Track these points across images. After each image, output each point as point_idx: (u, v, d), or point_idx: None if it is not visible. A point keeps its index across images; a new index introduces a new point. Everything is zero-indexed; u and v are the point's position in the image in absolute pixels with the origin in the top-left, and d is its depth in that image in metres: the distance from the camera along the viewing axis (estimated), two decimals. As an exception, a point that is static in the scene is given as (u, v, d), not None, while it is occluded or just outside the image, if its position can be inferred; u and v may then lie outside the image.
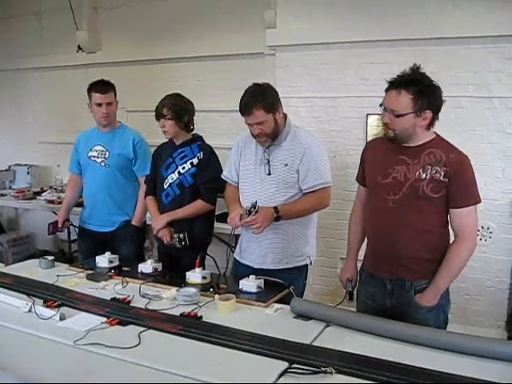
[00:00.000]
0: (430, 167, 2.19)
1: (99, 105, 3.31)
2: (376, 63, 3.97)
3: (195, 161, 3.05)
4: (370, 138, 4.03)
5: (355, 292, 2.57)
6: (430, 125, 2.22)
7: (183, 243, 2.97)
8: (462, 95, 3.74)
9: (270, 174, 2.65)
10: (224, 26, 4.79)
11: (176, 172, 3.05)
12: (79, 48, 5.57)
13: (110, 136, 3.42)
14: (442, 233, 2.27)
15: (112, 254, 2.89)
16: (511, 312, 3.80)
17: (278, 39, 4.30)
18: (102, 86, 3.33)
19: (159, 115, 3.04)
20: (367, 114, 4.02)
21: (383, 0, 3.92)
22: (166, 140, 3.19)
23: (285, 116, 2.70)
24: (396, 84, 2.17)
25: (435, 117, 2.20)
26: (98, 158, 3.39)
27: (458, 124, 3.77)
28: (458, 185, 2.17)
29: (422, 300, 2.23)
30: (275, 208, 2.52)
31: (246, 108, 2.53)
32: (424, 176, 2.19)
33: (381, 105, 2.25)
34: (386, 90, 2.22)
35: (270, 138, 2.60)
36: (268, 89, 2.62)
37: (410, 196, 2.22)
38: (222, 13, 4.81)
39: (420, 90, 2.12)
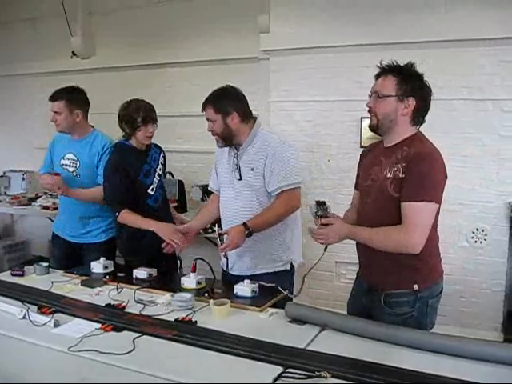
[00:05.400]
0: (394, 165, 2.06)
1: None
2: (370, 67, 3.94)
3: (162, 160, 3.19)
4: (364, 142, 4.04)
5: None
6: (414, 118, 2.11)
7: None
8: (456, 98, 3.77)
9: (240, 179, 2.64)
10: (218, 30, 4.80)
11: (156, 175, 3.11)
12: (73, 54, 5.59)
13: (81, 144, 3.26)
14: None
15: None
16: (507, 314, 3.80)
17: (271, 43, 4.32)
18: (53, 94, 3.21)
19: (151, 120, 3.02)
20: (361, 118, 4.03)
21: (376, 4, 3.95)
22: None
23: (254, 120, 2.68)
24: (383, 70, 2.19)
25: (421, 110, 2.11)
26: (69, 166, 3.26)
27: (452, 127, 3.79)
28: (409, 177, 2.00)
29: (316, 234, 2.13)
30: (244, 224, 2.48)
31: (202, 103, 2.65)
32: (388, 175, 2.07)
33: (369, 95, 2.22)
34: (376, 78, 2.23)
35: (221, 138, 2.63)
36: (229, 92, 2.63)
37: (380, 198, 2.11)
38: (215, 18, 4.82)
39: (405, 76, 2.11)
